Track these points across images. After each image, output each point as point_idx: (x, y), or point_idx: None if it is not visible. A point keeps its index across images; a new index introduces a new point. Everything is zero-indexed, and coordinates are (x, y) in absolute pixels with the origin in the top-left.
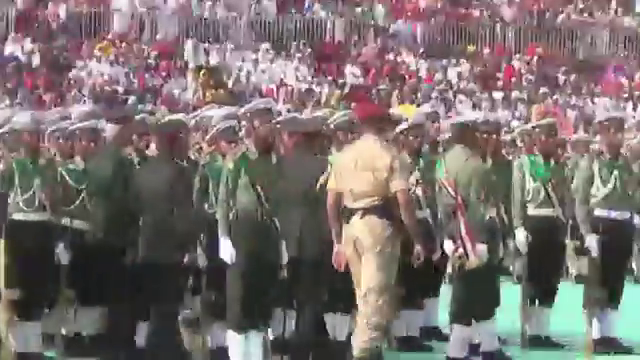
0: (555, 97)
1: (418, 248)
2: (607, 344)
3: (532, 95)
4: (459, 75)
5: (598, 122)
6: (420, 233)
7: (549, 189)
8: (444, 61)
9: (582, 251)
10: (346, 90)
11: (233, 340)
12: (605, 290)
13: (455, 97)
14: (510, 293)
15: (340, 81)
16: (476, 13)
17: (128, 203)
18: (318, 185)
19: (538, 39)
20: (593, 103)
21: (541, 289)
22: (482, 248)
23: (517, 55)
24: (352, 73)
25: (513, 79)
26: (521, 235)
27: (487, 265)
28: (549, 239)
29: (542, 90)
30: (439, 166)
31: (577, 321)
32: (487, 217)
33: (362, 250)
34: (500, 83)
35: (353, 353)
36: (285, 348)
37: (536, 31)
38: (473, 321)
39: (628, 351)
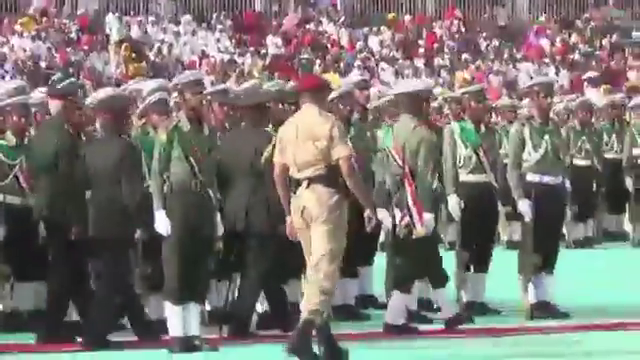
0: (477, 63)
1: (368, 212)
2: (543, 309)
3: (455, 62)
4: (381, 43)
5: (527, 87)
6: (368, 197)
7: (480, 155)
8: (365, 29)
9: (513, 216)
10: (268, 60)
11: (171, 312)
12: (540, 255)
13: (377, 65)
14: (444, 260)
15: (262, 51)
16: None
17: (75, 178)
18: (263, 157)
19: (459, 5)
20: (515, 68)
21: (475, 255)
22: (429, 217)
23: (438, 22)
24: (274, 43)
25: (435, 45)
26: (454, 202)
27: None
28: (482, 205)
29: (464, 57)
30: (387, 135)
31: (511, 287)
32: (434, 186)
33: (310, 219)
34: (422, 50)
35: (301, 316)
36: (222, 319)
37: None
38: (431, 288)
39: (564, 316)
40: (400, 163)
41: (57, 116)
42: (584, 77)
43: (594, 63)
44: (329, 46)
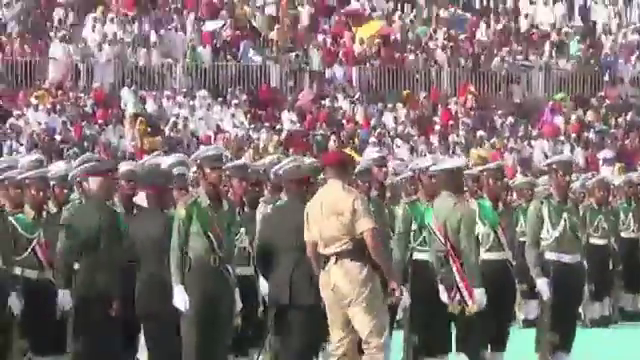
0: (493, 140)
1: (393, 285)
2: None
3: (469, 139)
4: (395, 119)
5: (546, 165)
6: (392, 270)
7: (499, 233)
8: (380, 105)
9: (530, 295)
10: (283, 136)
11: None
12: (557, 334)
13: (393, 142)
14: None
15: (277, 127)
16: (411, 57)
17: (121, 254)
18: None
19: (474, 82)
20: (530, 146)
21: (493, 334)
22: (479, 293)
23: (453, 99)
24: (289, 119)
25: (450, 122)
26: None
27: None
28: (500, 283)
29: (479, 134)
30: (427, 212)
31: None
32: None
33: (343, 298)
34: (437, 127)
35: None
36: None
37: (471, 74)
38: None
39: None
40: (443, 240)
41: (97, 193)
42: (599, 155)
43: (609, 142)
44: (344, 122)
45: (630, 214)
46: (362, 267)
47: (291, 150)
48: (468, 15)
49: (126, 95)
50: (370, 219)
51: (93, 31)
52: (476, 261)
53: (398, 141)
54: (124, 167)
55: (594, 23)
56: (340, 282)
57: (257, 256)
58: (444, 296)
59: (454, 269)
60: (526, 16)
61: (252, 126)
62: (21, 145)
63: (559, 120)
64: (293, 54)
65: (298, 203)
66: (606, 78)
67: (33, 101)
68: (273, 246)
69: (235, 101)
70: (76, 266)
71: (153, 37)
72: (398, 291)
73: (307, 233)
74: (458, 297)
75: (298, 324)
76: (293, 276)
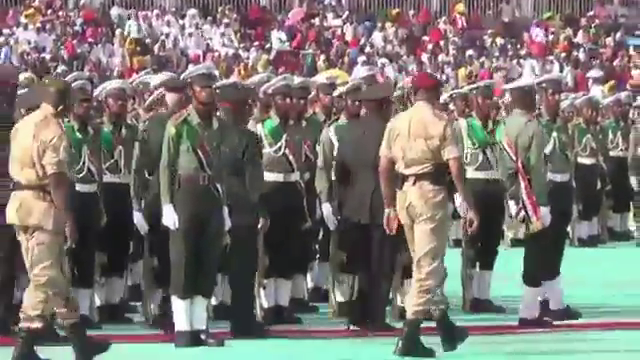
0: (482, 60)
1: (470, 213)
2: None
3: (459, 58)
4: (384, 39)
5: (536, 84)
6: (471, 199)
7: (488, 152)
8: (369, 24)
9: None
10: (272, 55)
11: (177, 306)
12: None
13: (380, 61)
14: (448, 257)
15: (266, 46)
16: None
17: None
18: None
19: (463, 1)
20: (519, 65)
21: (481, 253)
22: (545, 211)
23: (443, 18)
24: (278, 38)
25: (441, 42)
26: (460, 199)
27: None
28: (488, 202)
29: (468, 53)
30: (498, 130)
31: (516, 285)
32: (548, 179)
33: (415, 216)
34: (427, 46)
35: (407, 315)
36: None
37: None
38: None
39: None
40: (513, 157)
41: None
42: (588, 75)
43: (598, 61)
44: (333, 41)
45: (618, 133)
46: (439, 191)
47: (280, 69)
48: None
49: (116, 14)
50: (458, 147)
51: None
52: (545, 179)
53: (385, 60)
54: (112, 85)
55: None
56: (415, 201)
57: (336, 172)
58: (513, 211)
59: (522, 186)
60: None
61: (241, 45)
62: (11, 64)
63: (548, 39)
64: None
65: (379, 122)
66: None
67: (22, 20)
68: (352, 163)
69: (225, 20)
70: None
71: None
72: (477, 221)
73: (386, 150)
74: (522, 214)
75: (378, 242)
76: (374, 195)
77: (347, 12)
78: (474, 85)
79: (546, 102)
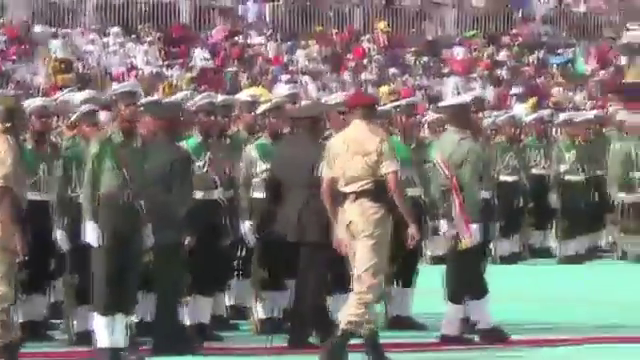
0: (404, 77)
1: (412, 228)
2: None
3: (381, 76)
4: (307, 56)
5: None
6: (412, 213)
7: (411, 170)
8: (292, 42)
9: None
10: (195, 73)
11: (99, 323)
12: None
13: (303, 78)
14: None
15: (190, 64)
16: None
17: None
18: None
19: (386, 19)
20: (442, 83)
21: (402, 270)
22: (476, 228)
23: (366, 36)
24: (201, 56)
25: (364, 60)
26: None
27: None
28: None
29: (391, 71)
30: (432, 147)
31: (438, 302)
32: (480, 197)
33: (356, 233)
34: (349, 64)
35: (340, 326)
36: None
37: (384, 11)
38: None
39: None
40: (447, 174)
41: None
42: (511, 93)
43: (521, 79)
44: (256, 59)
45: (540, 151)
46: (379, 208)
47: (203, 87)
48: None
49: (38, 32)
50: (395, 162)
51: None
52: (478, 196)
53: (307, 78)
54: (36, 103)
55: None
56: (355, 218)
57: (266, 189)
58: (444, 229)
59: (455, 203)
60: None
61: (165, 63)
62: None
63: (471, 57)
64: None
65: (311, 140)
66: (518, 15)
67: None
68: (283, 181)
69: (148, 38)
70: None
71: None
72: (417, 236)
73: (327, 170)
74: (454, 231)
75: (307, 261)
76: (302, 213)
77: (270, 30)
78: (397, 103)
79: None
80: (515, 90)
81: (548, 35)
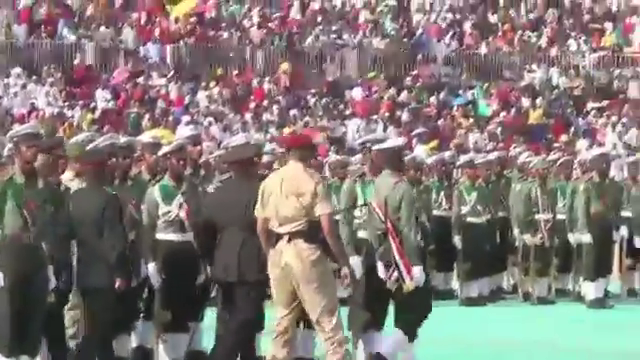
0: (306, 119)
1: (345, 270)
2: None
3: (283, 117)
4: (209, 98)
5: (360, 143)
6: (345, 255)
7: None
8: (194, 84)
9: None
10: (97, 114)
11: None
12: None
13: (206, 120)
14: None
15: (91, 105)
16: (225, 35)
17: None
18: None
19: (288, 60)
20: (344, 125)
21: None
22: (417, 270)
23: (267, 77)
24: (103, 97)
25: (265, 102)
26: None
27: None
28: None
29: (292, 112)
30: (368, 190)
31: None
32: (419, 240)
33: (294, 278)
34: (251, 105)
35: None
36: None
37: (285, 53)
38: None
39: None
40: (382, 218)
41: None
42: (413, 134)
43: (422, 121)
44: (158, 100)
45: (442, 192)
46: (315, 249)
47: (105, 128)
48: None
49: None
50: (329, 204)
51: None
52: (416, 239)
53: (211, 119)
54: None
55: (408, 2)
56: (291, 261)
57: (199, 233)
58: (382, 273)
59: (393, 246)
60: None
61: (66, 104)
62: None
63: (372, 99)
64: (108, 31)
65: (244, 181)
66: (419, 57)
67: None
68: (217, 223)
69: (50, 79)
70: None
71: None
72: (350, 277)
73: (260, 210)
74: (396, 274)
75: (243, 300)
76: (241, 253)
77: (172, 71)
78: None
79: (369, 162)
80: (416, 131)
81: (449, 76)
